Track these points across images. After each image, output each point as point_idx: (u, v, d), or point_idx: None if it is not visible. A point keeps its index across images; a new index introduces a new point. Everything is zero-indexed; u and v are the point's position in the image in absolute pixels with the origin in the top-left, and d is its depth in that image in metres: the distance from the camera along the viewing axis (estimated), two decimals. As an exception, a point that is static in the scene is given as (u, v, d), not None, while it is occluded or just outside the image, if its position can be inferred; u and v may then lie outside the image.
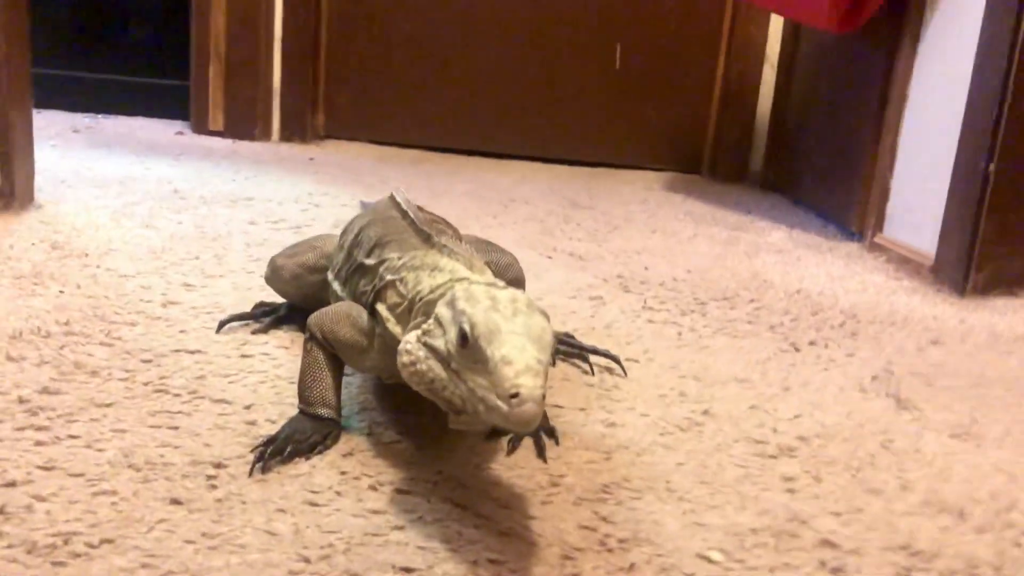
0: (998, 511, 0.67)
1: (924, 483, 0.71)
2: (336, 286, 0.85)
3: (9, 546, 0.53)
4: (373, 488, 0.64)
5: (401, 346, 0.63)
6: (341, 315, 0.75)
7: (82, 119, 2.44)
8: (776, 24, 2.48)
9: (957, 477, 0.72)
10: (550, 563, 0.56)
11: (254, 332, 0.93)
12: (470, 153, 2.59)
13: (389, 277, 0.73)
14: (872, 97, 1.72)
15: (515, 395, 0.53)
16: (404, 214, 0.83)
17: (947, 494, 0.69)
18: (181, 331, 0.92)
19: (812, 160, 2.12)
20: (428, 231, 0.77)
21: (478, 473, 0.67)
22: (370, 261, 0.79)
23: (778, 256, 1.53)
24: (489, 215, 1.68)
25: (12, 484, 0.60)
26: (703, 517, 0.63)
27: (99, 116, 2.54)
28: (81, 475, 0.62)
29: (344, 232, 0.92)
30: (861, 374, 0.96)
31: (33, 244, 1.17)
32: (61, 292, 0.99)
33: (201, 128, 2.53)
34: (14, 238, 1.18)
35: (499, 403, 0.54)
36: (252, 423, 0.72)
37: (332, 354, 0.73)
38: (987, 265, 1.32)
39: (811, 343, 1.05)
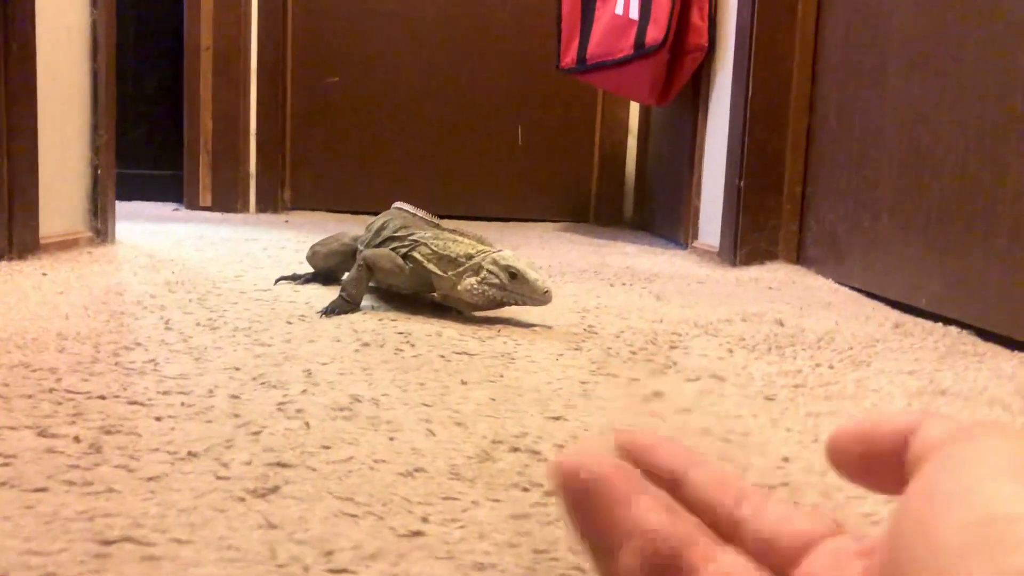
0: (656, 323, 1.37)
1: (649, 313, 1.41)
2: (365, 252, 1.53)
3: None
4: (372, 330, 1.32)
5: (465, 286, 1.31)
6: (384, 255, 1.42)
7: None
8: (636, 104, 3.28)
9: (661, 316, 1.43)
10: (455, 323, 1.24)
11: (297, 285, 1.61)
12: (407, 214, 3.29)
13: (422, 242, 1.40)
14: (686, 149, 2.50)
15: (546, 292, 1.23)
16: (413, 214, 1.51)
17: (647, 323, 1.40)
18: (242, 291, 1.59)
19: (660, 201, 2.89)
20: (435, 222, 1.46)
21: (425, 321, 1.36)
22: (399, 234, 1.46)
23: (624, 255, 2.27)
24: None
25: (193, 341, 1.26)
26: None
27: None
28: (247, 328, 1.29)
29: (368, 227, 1.58)
30: (644, 293, 1.67)
31: (135, 257, 1.83)
32: (172, 273, 1.65)
33: (193, 205, 3.21)
34: (124, 253, 1.85)
35: (540, 297, 1.24)
36: (310, 306, 1.40)
37: (369, 274, 1.41)
38: (745, 246, 2.07)
39: (623, 283, 1.77)
